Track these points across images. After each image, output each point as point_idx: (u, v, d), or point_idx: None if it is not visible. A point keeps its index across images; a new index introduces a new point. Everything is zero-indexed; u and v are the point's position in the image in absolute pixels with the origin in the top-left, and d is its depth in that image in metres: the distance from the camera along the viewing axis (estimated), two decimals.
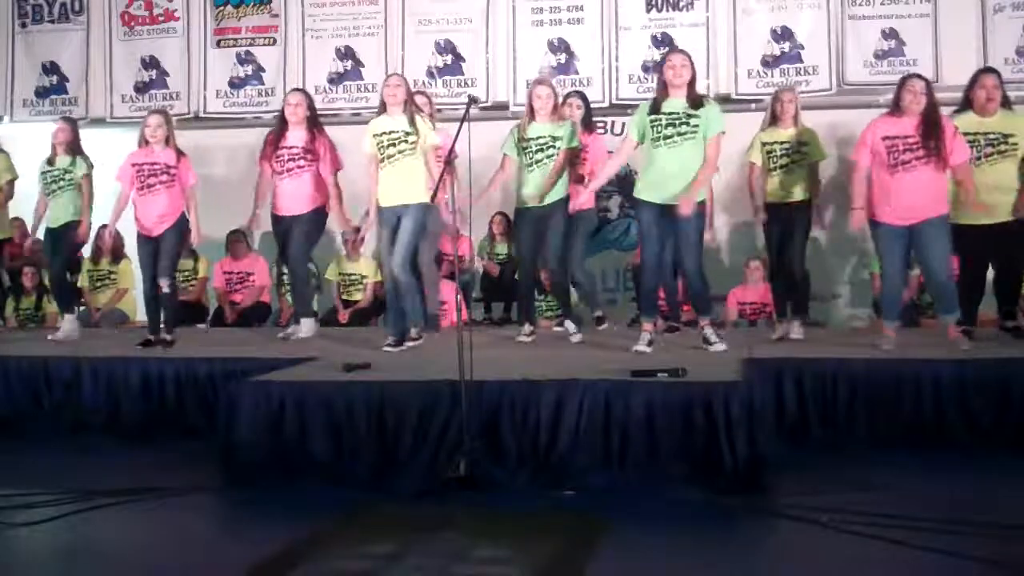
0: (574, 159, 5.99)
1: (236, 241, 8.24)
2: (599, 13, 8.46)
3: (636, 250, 6.39)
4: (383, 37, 8.75)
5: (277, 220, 6.26)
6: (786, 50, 8.22)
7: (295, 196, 6.12)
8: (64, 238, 6.64)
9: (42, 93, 9.27)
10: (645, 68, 8.24)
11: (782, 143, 5.83)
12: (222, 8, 9.00)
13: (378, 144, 5.64)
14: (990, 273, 5.79)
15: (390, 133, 5.62)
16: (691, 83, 5.19)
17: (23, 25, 9.33)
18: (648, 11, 8.41)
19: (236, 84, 8.97)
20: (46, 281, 7.78)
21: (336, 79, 8.82)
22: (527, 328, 6.03)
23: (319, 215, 6.24)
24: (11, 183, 7.02)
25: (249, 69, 8.96)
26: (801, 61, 8.19)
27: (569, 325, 6.08)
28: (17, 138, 8.25)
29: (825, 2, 8.14)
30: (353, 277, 8.19)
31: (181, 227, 6.10)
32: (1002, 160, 5.52)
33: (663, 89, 5.21)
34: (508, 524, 3.75)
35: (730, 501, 3.93)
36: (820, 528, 3.57)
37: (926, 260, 5.18)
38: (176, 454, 4.99)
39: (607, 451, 4.17)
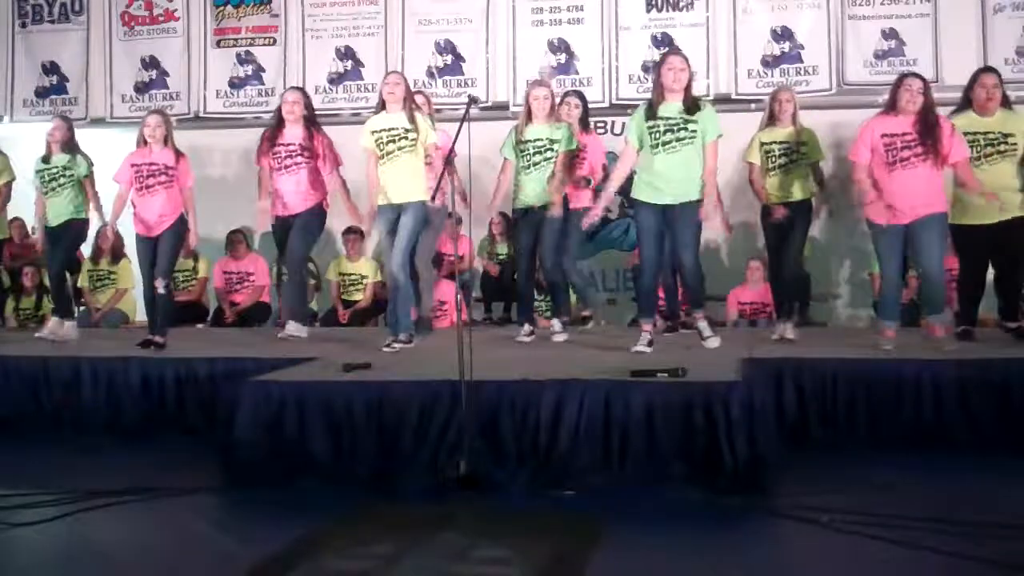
0: (572, 160, 5.99)
1: (236, 241, 8.25)
2: (599, 13, 8.47)
3: (636, 250, 6.40)
4: (383, 37, 8.76)
5: (277, 222, 6.26)
6: (786, 50, 8.23)
7: (293, 195, 6.11)
8: (63, 237, 6.63)
9: (42, 93, 9.29)
10: (645, 68, 8.24)
11: (780, 143, 5.83)
12: (222, 8, 9.01)
13: (377, 141, 5.63)
14: (990, 273, 5.79)
15: (390, 130, 5.61)
16: (688, 86, 5.19)
17: (23, 25, 9.34)
18: (648, 11, 8.42)
19: (236, 84, 8.98)
20: (46, 281, 7.78)
21: (336, 79, 8.83)
22: (527, 328, 6.03)
23: (318, 213, 6.24)
24: (9, 184, 7.03)
25: (249, 69, 8.97)
26: (801, 61, 8.20)
27: (555, 323, 6.07)
28: (17, 138, 8.26)
29: (825, 2, 8.15)
30: (353, 277, 8.20)
31: (180, 228, 6.08)
32: (1002, 160, 5.51)
33: (660, 92, 5.21)
34: (508, 524, 3.75)
35: (730, 501, 3.93)
36: (820, 528, 3.57)
37: (921, 257, 5.18)
38: (176, 454, 4.99)
39: (607, 451, 4.16)
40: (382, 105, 5.70)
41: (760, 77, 8.22)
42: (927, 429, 4.70)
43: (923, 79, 5.21)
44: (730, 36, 8.29)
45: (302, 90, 6.47)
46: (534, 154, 5.86)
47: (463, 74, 8.65)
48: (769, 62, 8.24)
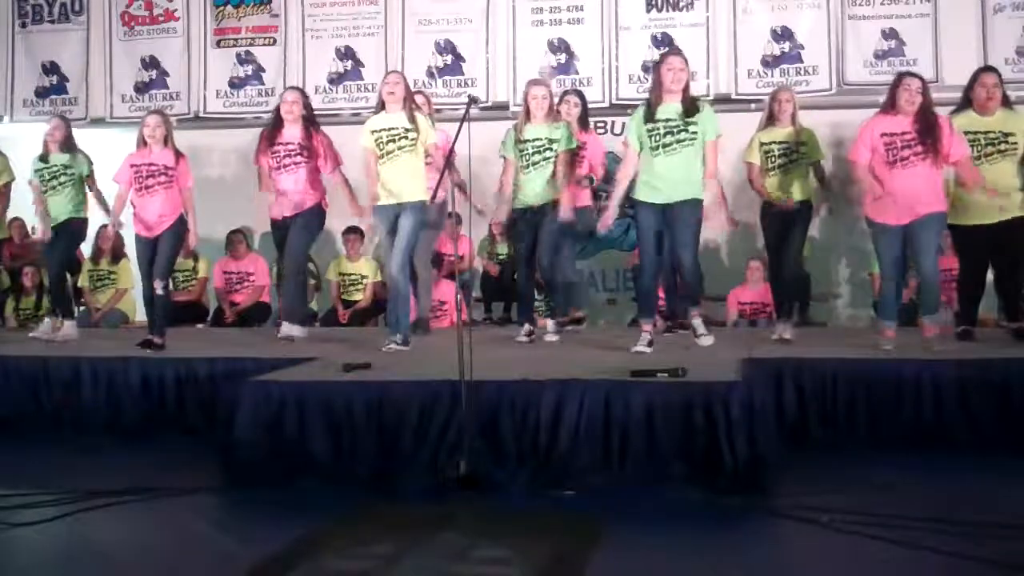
0: (573, 159, 5.99)
1: (236, 241, 8.25)
2: (599, 13, 8.47)
3: (636, 250, 6.40)
4: (383, 37, 8.77)
5: (275, 224, 6.25)
6: (786, 50, 8.23)
7: (291, 195, 6.09)
8: (62, 236, 6.61)
9: (42, 93, 9.29)
10: (645, 68, 8.24)
11: (780, 143, 5.83)
12: (222, 8, 9.01)
13: (377, 140, 5.62)
14: (990, 273, 5.79)
15: (390, 129, 5.60)
16: (686, 87, 5.21)
17: (23, 25, 9.34)
18: (648, 11, 8.42)
19: (236, 84, 8.98)
20: (47, 281, 7.78)
21: (336, 79, 8.83)
22: (527, 328, 6.02)
23: (317, 213, 6.22)
24: (8, 185, 7.02)
25: (249, 69, 8.97)
26: (801, 61, 8.20)
27: (549, 323, 6.05)
28: (17, 138, 8.26)
29: (825, 2, 8.15)
30: (353, 277, 8.20)
31: (179, 229, 6.07)
32: (1002, 159, 5.51)
33: (659, 92, 5.21)
34: (508, 524, 3.75)
35: (730, 501, 3.93)
36: (820, 528, 3.56)
37: (918, 256, 5.16)
38: (176, 454, 4.99)
39: (607, 451, 4.16)
40: (382, 105, 5.69)
41: (760, 77, 8.23)
42: (927, 429, 4.70)
43: (921, 78, 5.21)
44: (730, 36, 8.30)
45: (301, 90, 6.47)
46: (533, 153, 5.86)
47: (463, 74, 8.65)
48: (769, 62, 8.25)
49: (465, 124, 4.69)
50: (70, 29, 9.27)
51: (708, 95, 7.85)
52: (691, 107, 5.18)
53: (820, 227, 7.15)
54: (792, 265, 5.92)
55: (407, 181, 5.59)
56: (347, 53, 8.81)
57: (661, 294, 6.10)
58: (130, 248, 7.20)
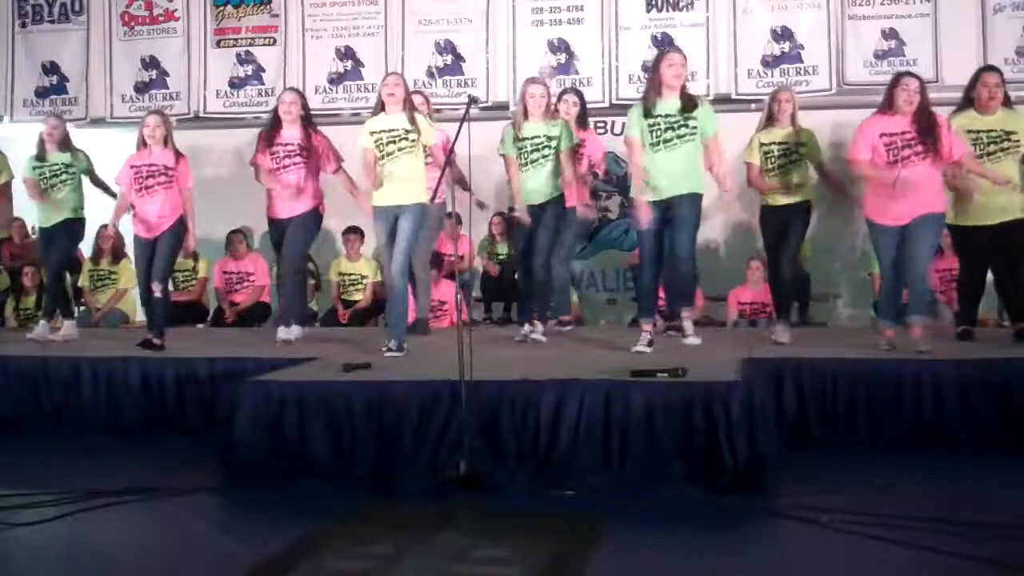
0: (576, 156, 6.00)
1: (236, 241, 8.25)
2: (599, 13, 8.47)
3: (636, 250, 6.40)
4: (383, 37, 8.76)
5: (273, 223, 6.21)
6: (786, 50, 8.22)
7: (290, 196, 6.07)
8: (61, 236, 6.59)
9: (42, 93, 9.28)
10: (645, 68, 8.22)
11: (780, 143, 5.82)
12: (222, 8, 9.01)
13: (377, 142, 5.59)
14: (990, 274, 5.79)
15: (390, 131, 5.58)
16: (684, 84, 5.23)
17: (23, 25, 9.34)
18: (648, 11, 8.42)
19: (236, 84, 8.97)
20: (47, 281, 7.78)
21: (336, 79, 8.83)
22: (527, 328, 6.02)
23: (314, 214, 6.19)
24: (8, 184, 7.02)
25: (249, 69, 8.97)
26: (801, 61, 8.20)
27: (537, 325, 5.97)
28: (17, 138, 8.24)
29: (825, 2, 8.15)
30: (353, 277, 8.20)
31: (179, 230, 6.06)
32: (1005, 157, 5.51)
33: (658, 88, 5.22)
34: (508, 524, 3.75)
35: (730, 501, 3.93)
36: (820, 528, 3.57)
37: (912, 256, 5.12)
38: (176, 454, 4.99)
39: (607, 451, 4.17)
40: (381, 106, 5.67)
41: (760, 77, 8.22)
42: (927, 429, 4.70)
43: (919, 78, 5.21)
44: (730, 36, 8.29)
45: (298, 91, 6.46)
46: (532, 151, 5.86)
47: (463, 74, 8.65)
48: (769, 62, 8.24)
49: (465, 124, 4.69)
50: (70, 29, 9.26)
51: (708, 95, 7.85)
52: (689, 103, 5.19)
53: (820, 227, 7.14)
54: (791, 265, 5.91)
55: (407, 183, 5.56)
56: (347, 53, 8.81)
57: (661, 294, 6.09)
58: (131, 248, 7.19)
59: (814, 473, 4.29)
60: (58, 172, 6.56)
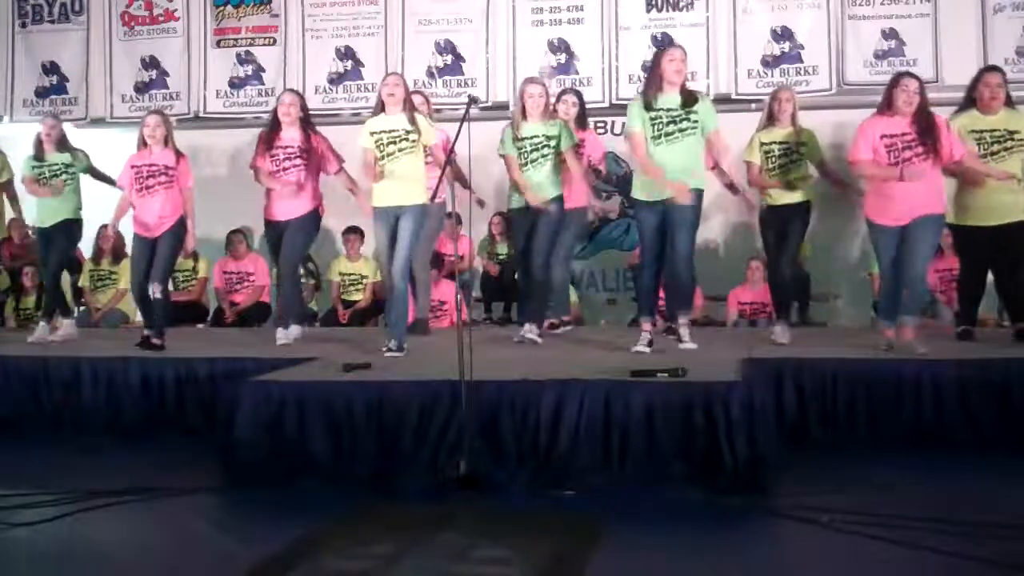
0: (577, 153, 6.00)
1: (236, 241, 8.25)
2: (599, 13, 8.47)
3: (636, 250, 6.40)
4: (383, 37, 8.76)
5: (271, 225, 6.17)
6: (786, 50, 8.22)
7: (289, 197, 6.05)
8: (60, 237, 6.57)
9: (42, 93, 9.28)
10: (645, 68, 8.19)
11: (780, 143, 5.82)
12: (222, 8, 9.01)
13: (377, 142, 5.57)
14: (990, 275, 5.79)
15: (390, 131, 5.57)
16: (684, 80, 5.23)
17: (23, 25, 9.33)
18: (648, 11, 8.42)
19: (236, 84, 8.97)
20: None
21: (336, 79, 8.83)
22: (526, 327, 6.01)
23: (313, 216, 6.17)
24: (10, 182, 7.02)
25: (249, 69, 8.97)
26: (801, 61, 8.20)
27: (533, 326, 5.93)
28: (17, 138, 8.22)
29: (825, 2, 8.15)
30: (353, 277, 8.20)
31: (179, 230, 6.04)
32: (1009, 156, 5.51)
33: (658, 83, 5.22)
34: (508, 524, 3.75)
35: (730, 501, 3.93)
36: (820, 528, 3.57)
37: (910, 256, 5.11)
38: (176, 454, 4.99)
39: (607, 451, 4.17)
40: (381, 106, 5.66)
41: (760, 77, 8.22)
42: (927, 429, 4.70)
43: (919, 79, 5.20)
44: (730, 36, 8.29)
45: (298, 92, 6.45)
46: (531, 151, 5.86)
47: (463, 74, 8.64)
48: (769, 62, 8.24)
49: (465, 124, 4.69)
50: (70, 29, 9.26)
51: (708, 95, 7.84)
52: (690, 98, 5.19)
53: (820, 227, 7.14)
54: (791, 265, 5.91)
55: (407, 183, 5.53)
56: (347, 53, 8.81)
57: (661, 294, 6.09)
58: (131, 248, 7.19)
59: (814, 473, 4.29)
60: (58, 172, 6.54)
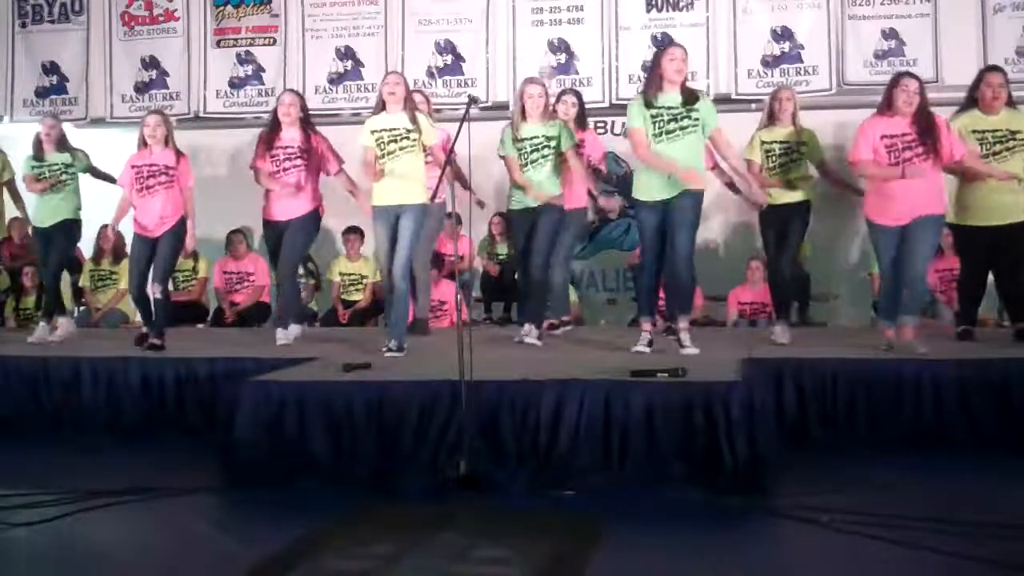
0: (578, 153, 5.99)
1: (236, 241, 8.25)
2: (599, 13, 8.47)
3: (636, 250, 6.39)
4: (383, 37, 8.76)
5: (270, 225, 6.15)
6: (786, 50, 8.23)
7: (289, 198, 6.03)
8: (59, 237, 6.55)
9: (42, 93, 9.28)
10: (645, 68, 8.19)
11: (781, 142, 5.82)
12: (222, 8, 9.01)
13: (378, 141, 5.56)
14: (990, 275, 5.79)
15: (391, 130, 5.56)
16: (684, 79, 5.23)
17: (23, 25, 9.34)
18: (648, 11, 8.42)
19: (236, 84, 8.98)
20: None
21: (336, 79, 8.83)
22: (526, 328, 6.01)
23: (313, 217, 6.16)
24: (11, 181, 7.02)
25: (249, 69, 8.97)
26: (801, 61, 8.20)
27: (532, 328, 5.91)
28: (17, 138, 8.22)
29: (825, 2, 8.15)
30: (353, 277, 8.20)
31: (180, 231, 6.02)
32: (1011, 156, 5.51)
33: (659, 82, 5.21)
34: (508, 524, 3.75)
35: (730, 501, 3.93)
36: (820, 528, 3.57)
37: (910, 256, 5.10)
38: (176, 454, 4.99)
39: (607, 451, 4.16)
40: (382, 105, 5.66)
41: (760, 77, 8.22)
42: (927, 429, 4.70)
43: (918, 79, 5.20)
44: (730, 36, 8.30)
45: (297, 92, 6.45)
46: (531, 152, 5.85)
47: (463, 74, 8.65)
48: (769, 62, 8.24)
49: (465, 124, 4.69)
50: (70, 29, 9.26)
51: (708, 95, 7.85)
52: (690, 96, 5.18)
53: (820, 227, 7.14)
54: (791, 265, 5.91)
55: (408, 182, 5.53)
56: (347, 53, 8.81)
57: (661, 294, 6.09)
58: (130, 248, 7.18)
59: (814, 473, 4.29)
60: (57, 172, 6.54)
